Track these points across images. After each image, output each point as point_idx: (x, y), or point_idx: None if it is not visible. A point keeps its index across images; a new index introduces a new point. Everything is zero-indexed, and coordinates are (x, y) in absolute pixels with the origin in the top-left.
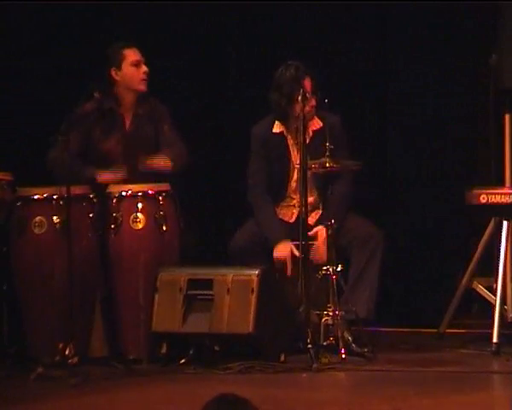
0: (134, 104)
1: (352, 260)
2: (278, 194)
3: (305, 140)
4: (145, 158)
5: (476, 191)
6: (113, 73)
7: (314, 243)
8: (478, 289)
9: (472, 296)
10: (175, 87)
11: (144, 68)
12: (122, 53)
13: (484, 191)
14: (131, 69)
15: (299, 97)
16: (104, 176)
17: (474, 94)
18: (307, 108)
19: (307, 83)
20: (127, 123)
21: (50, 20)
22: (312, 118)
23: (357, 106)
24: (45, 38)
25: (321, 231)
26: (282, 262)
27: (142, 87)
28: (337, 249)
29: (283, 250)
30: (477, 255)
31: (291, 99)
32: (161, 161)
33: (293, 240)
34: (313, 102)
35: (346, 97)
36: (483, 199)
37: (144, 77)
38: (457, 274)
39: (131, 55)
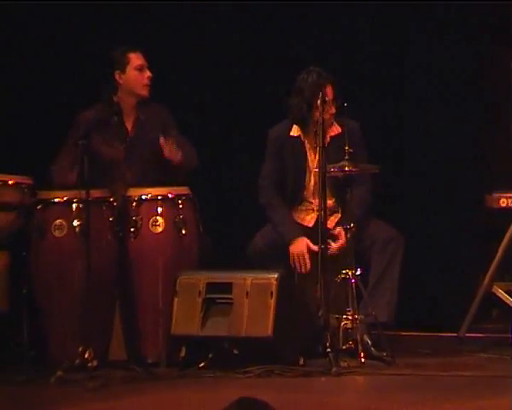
0: (135, 109)
1: (371, 263)
2: (294, 198)
3: (323, 144)
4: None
5: (496, 195)
6: (116, 76)
7: (333, 243)
8: (498, 294)
9: (492, 301)
10: (188, 89)
11: (148, 73)
12: (127, 56)
13: (504, 195)
14: (135, 73)
15: (319, 103)
16: None
17: (494, 96)
18: (326, 116)
19: (328, 90)
20: (129, 128)
21: (73, 26)
22: (331, 125)
23: (374, 108)
24: (67, 44)
25: (343, 234)
26: (300, 258)
27: (145, 92)
28: (357, 253)
29: (300, 246)
30: (497, 259)
31: (311, 105)
32: (178, 155)
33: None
34: (332, 110)
35: (361, 100)
36: (503, 203)
37: (147, 82)
38: (477, 278)
39: (136, 59)
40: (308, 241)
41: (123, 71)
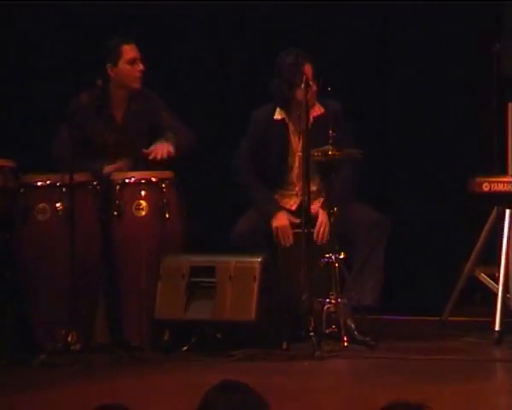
0: (126, 100)
1: (356, 247)
2: (278, 181)
3: (307, 127)
4: (145, 150)
5: (479, 180)
6: (108, 69)
7: (316, 225)
8: (480, 278)
9: (474, 285)
10: (179, 72)
11: (140, 66)
12: (119, 49)
13: (486, 180)
14: (127, 67)
15: (302, 84)
16: (109, 168)
17: (476, 82)
18: (309, 95)
19: (308, 68)
20: (118, 118)
21: (51, 8)
22: (313, 104)
23: (359, 93)
24: (48, 26)
25: (321, 212)
26: (283, 231)
27: (136, 85)
28: (341, 236)
29: (282, 219)
30: (480, 244)
31: (292, 85)
32: (164, 149)
33: (294, 228)
34: (314, 89)
35: (347, 84)
36: (486, 187)
37: (139, 75)
38: (460, 262)
39: (128, 51)
40: (290, 215)
41: (115, 64)
